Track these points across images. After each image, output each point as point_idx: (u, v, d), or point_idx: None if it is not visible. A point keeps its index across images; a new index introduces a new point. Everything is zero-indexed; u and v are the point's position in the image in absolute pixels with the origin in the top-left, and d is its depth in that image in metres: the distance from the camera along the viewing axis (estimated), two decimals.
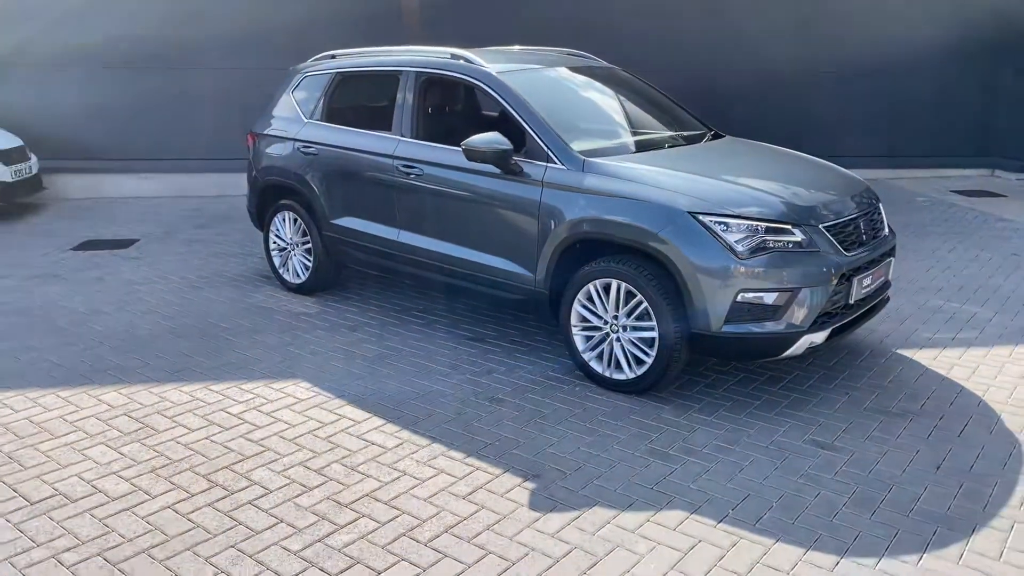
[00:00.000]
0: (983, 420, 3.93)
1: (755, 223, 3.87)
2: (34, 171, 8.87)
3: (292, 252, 5.97)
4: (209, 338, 5.06)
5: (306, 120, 5.78)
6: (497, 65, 4.89)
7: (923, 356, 4.71)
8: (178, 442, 3.74)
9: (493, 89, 4.72)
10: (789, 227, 3.91)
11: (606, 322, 4.21)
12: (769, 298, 3.84)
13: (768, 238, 3.87)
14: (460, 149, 4.51)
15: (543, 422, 3.92)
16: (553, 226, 4.31)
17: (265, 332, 5.17)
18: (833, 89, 10.32)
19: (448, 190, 4.80)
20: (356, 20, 9.24)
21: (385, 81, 5.39)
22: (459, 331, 5.15)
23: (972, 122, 10.79)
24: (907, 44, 10.27)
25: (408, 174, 4.98)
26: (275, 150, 5.93)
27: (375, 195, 5.24)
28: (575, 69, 5.45)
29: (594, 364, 4.30)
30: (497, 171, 4.51)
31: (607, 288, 4.16)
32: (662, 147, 4.85)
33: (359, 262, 5.58)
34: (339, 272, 5.98)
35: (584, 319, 4.30)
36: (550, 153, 4.38)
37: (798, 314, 3.88)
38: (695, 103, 5.92)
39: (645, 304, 4.01)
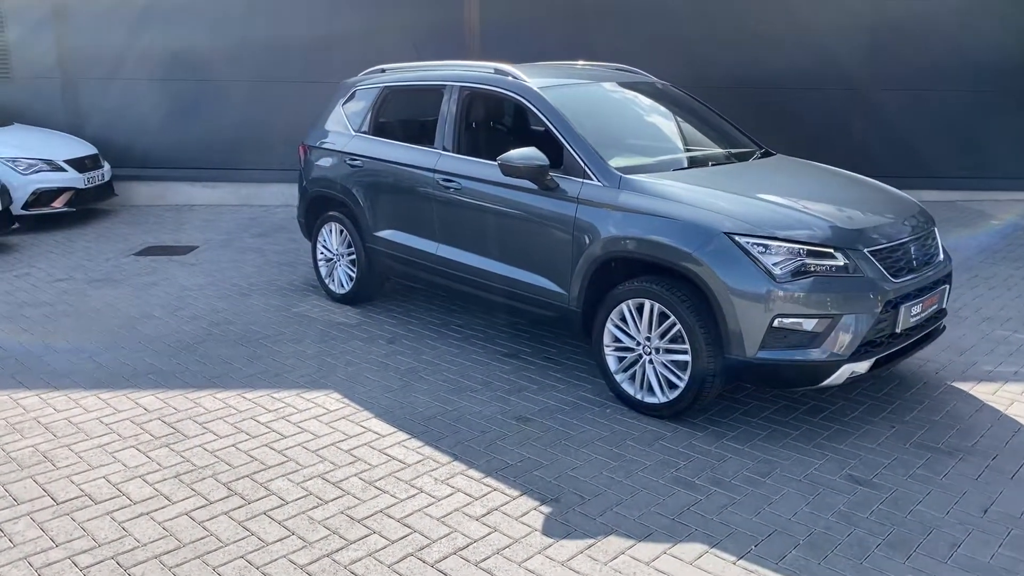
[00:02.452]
0: None
1: (795, 246, 3.72)
2: (106, 178, 9.24)
3: (337, 262, 6.03)
4: (249, 345, 5.14)
5: (354, 133, 5.85)
6: (539, 80, 4.85)
7: (981, 390, 4.44)
8: (205, 448, 3.79)
9: (532, 103, 4.67)
10: (831, 251, 3.74)
11: (639, 344, 4.10)
12: (808, 324, 3.68)
13: (809, 262, 3.71)
14: (496, 164, 4.48)
15: (568, 444, 3.83)
16: (587, 243, 4.23)
17: (304, 341, 5.22)
18: (903, 106, 9.92)
19: (485, 204, 4.77)
20: (423, 36, 9.32)
21: (430, 95, 5.41)
22: (495, 347, 5.11)
23: None
24: (986, 58, 9.78)
25: (448, 188, 4.98)
26: (324, 162, 6.02)
27: (416, 208, 5.25)
28: (622, 85, 5.36)
29: (626, 386, 4.19)
30: (534, 187, 4.46)
31: (640, 309, 4.05)
32: (706, 165, 4.72)
33: (400, 274, 5.61)
34: (382, 284, 6.02)
35: (617, 340, 4.19)
36: (587, 169, 4.31)
37: (839, 342, 3.70)
38: (754, 121, 5.76)
39: (679, 327, 3.89)
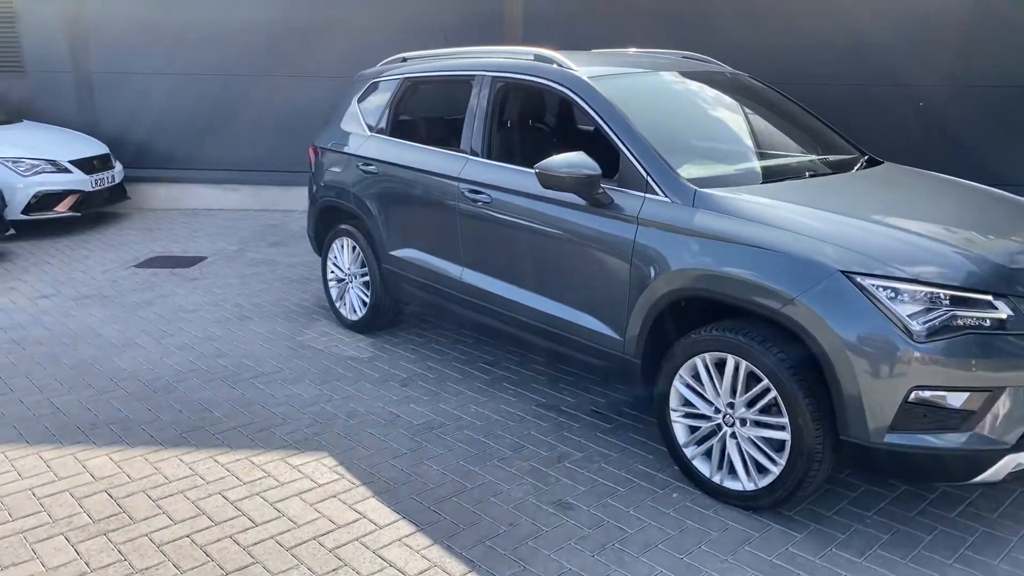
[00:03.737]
0: None
1: (939, 291, 2.72)
2: (117, 180, 8.53)
3: (350, 284, 5.17)
4: (238, 386, 4.30)
5: (369, 133, 4.97)
6: (590, 68, 3.91)
7: None
8: (151, 539, 2.93)
9: (582, 97, 3.73)
10: (989, 298, 2.73)
11: (718, 410, 3.14)
12: (957, 399, 2.68)
13: (957, 312, 2.70)
14: (534, 172, 3.55)
15: (624, 548, 2.89)
16: (650, 276, 3.28)
17: (303, 381, 4.37)
18: (992, 106, 8.65)
19: (519, 222, 3.84)
20: (461, 31, 8.41)
21: (458, 88, 4.50)
22: (530, 394, 4.18)
23: None
24: None
25: (475, 201, 4.07)
26: (336, 167, 5.16)
27: (438, 224, 4.35)
28: (689, 75, 4.39)
29: (699, 463, 3.23)
30: (581, 202, 3.52)
31: (720, 365, 3.09)
32: (801, 176, 3.73)
33: (419, 301, 4.72)
34: (400, 310, 5.13)
35: (687, 403, 3.23)
36: (650, 180, 3.36)
37: (1000, 424, 2.69)
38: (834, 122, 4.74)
39: (774, 393, 2.91)
